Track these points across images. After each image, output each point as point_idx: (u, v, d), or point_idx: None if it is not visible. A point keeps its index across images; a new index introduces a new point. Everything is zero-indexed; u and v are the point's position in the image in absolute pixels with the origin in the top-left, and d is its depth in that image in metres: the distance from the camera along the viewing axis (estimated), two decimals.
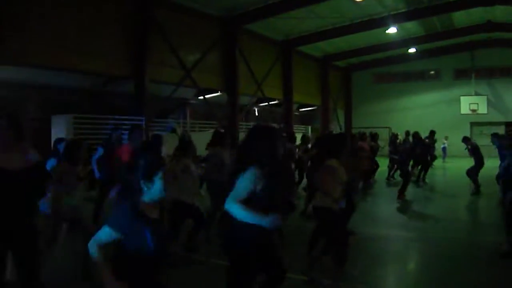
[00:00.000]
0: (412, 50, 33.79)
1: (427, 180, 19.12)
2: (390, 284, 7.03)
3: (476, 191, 15.47)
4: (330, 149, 6.60)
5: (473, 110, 34.91)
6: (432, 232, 10.09)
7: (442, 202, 15.18)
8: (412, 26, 29.27)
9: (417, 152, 17.67)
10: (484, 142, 22.31)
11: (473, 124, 35.65)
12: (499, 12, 27.41)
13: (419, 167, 19.08)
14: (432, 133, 20.83)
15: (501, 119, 34.21)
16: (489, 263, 7.56)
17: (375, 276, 7.10)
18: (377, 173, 19.02)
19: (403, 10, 25.55)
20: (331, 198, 6.20)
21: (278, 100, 30.15)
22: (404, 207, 13.73)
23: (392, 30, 27.50)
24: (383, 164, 19.89)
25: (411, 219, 11.92)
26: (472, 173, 15.81)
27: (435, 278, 6.89)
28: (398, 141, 19.18)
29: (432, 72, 38.72)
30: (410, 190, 16.27)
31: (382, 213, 13.14)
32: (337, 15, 25.22)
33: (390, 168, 19.74)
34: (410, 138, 18.50)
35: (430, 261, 7.86)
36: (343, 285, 6.32)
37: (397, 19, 26.23)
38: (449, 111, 35.84)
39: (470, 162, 16.37)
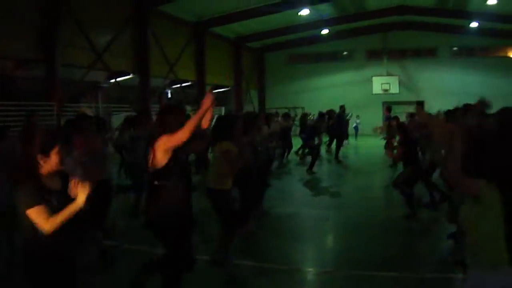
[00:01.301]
0: (325, 31, 34.95)
1: (340, 158, 20.14)
2: (299, 260, 7.51)
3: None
4: (222, 131, 6.82)
5: (385, 90, 36.77)
6: (345, 209, 10.90)
7: (355, 179, 16.18)
8: (326, 8, 30.24)
9: (332, 127, 18.79)
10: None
11: (385, 104, 37.32)
12: None
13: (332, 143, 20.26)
14: (342, 107, 21.90)
15: (413, 98, 35.90)
16: (398, 235, 8.52)
17: (285, 254, 7.58)
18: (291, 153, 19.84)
19: None
20: (225, 180, 6.56)
21: (191, 81, 30.37)
22: (317, 184, 14.60)
23: (304, 12, 28.41)
24: (297, 144, 20.71)
25: (324, 197, 12.59)
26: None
27: (345, 251, 7.67)
28: (308, 120, 20.02)
29: (345, 53, 40.31)
30: (325, 168, 17.30)
31: (295, 192, 13.76)
32: None
33: (301, 147, 20.63)
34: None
35: (342, 235, 8.69)
36: (253, 264, 6.89)
37: (310, 0, 27.12)
38: (362, 91, 37.38)
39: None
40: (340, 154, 20.42)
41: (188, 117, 5.40)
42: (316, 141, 17.55)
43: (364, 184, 14.95)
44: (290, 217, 10.08)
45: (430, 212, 10.02)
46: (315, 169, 16.30)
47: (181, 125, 4.73)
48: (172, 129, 4.73)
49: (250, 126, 8.67)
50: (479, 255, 3.39)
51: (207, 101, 4.70)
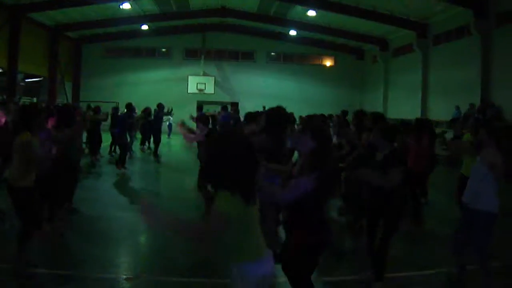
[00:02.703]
0: (144, 27, 35.18)
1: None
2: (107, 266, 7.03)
3: None
4: (22, 122, 6.23)
5: (200, 90, 37.89)
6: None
7: (170, 178, 16.46)
8: (147, 3, 30.61)
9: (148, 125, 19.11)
10: None
11: (199, 103, 38.47)
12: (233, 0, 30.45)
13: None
14: (160, 105, 22.21)
15: (227, 99, 37.60)
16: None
17: (91, 256, 7.23)
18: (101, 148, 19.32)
19: None
20: (26, 175, 6.05)
21: (2, 68, 28.74)
22: (129, 184, 14.49)
23: (126, 6, 28.52)
24: (107, 139, 20.13)
25: (135, 198, 11.80)
26: None
27: (154, 255, 7.65)
28: (119, 113, 19.98)
29: (164, 50, 40.85)
30: (141, 165, 17.44)
31: (106, 192, 12.94)
32: None
33: (112, 143, 20.43)
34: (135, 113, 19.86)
35: (153, 238, 8.46)
36: (54, 272, 6.44)
37: None
38: (177, 89, 37.99)
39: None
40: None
41: None
42: (128, 137, 17.89)
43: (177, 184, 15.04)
44: (100, 219, 9.63)
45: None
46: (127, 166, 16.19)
47: None
48: None
49: (67, 119, 8.46)
50: None
51: None
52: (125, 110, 18.77)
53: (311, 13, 29.71)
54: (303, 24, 33.58)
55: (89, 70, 39.02)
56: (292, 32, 35.82)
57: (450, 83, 26.35)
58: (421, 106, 29.24)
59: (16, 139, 6.03)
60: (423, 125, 10.57)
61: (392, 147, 6.04)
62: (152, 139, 22.11)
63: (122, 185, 14.03)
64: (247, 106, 25.98)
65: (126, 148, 16.45)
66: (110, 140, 20.03)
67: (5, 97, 26.86)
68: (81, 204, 9.93)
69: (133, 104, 19.70)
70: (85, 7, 28.73)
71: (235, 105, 25.16)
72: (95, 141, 18.45)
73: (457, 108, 24.46)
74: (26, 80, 35.80)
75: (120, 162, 15.71)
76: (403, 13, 28.20)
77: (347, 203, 9.59)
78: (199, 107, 22.19)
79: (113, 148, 20.26)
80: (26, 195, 6.00)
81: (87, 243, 7.86)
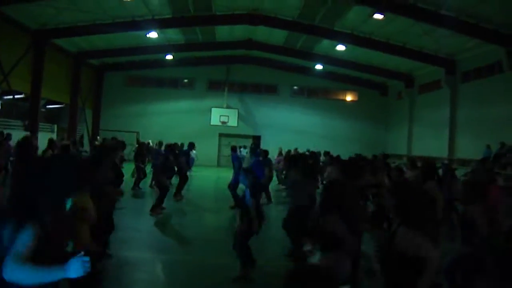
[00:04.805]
0: (169, 56, 35.02)
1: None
2: None
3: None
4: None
5: (223, 122, 37.51)
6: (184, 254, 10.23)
7: (197, 217, 15.61)
8: (174, 33, 30.45)
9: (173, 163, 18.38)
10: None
11: (222, 135, 38.29)
12: (260, 32, 30.27)
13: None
14: (192, 145, 21.56)
15: (250, 132, 37.35)
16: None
17: None
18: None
19: (168, 16, 26.66)
20: None
21: (25, 94, 28.57)
22: (161, 224, 13.65)
23: (153, 34, 28.34)
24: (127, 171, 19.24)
25: (168, 239, 11.57)
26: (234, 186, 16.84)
27: None
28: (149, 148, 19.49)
29: (186, 81, 40.67)
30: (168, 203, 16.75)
31: (136, 232, 12.07)
32: (100, 11, 25.09)
33: (137, 178, 19.91)
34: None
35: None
36: None
37: (160, 24, 27.28)
38: (200, 120, 37.98)
39: (215, 172, 16.98)
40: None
41: None
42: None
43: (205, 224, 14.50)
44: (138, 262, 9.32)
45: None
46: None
47: None
48: None
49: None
50: None
51: None
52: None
53: (340, 47, 29.36)
54: (329, 59, 33.30)
55: (110, 98, 38.93)
56: (318, 67, 35.46)
57: (479, 121, 25.76)
58: (448, 143, 28.57)
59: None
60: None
61: None
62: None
63: (153, 223, 13.39)
64: (269, 140, 25.70)
65: (166, 189, 15.49)
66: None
67: (27, 123, 26.69)
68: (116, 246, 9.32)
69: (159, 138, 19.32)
70: (110, 35, 28.51)
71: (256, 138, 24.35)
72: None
73: (488, 147, 23.68)
74: (48, 107, 35.65)
75: (157, 203, 14.77)
76: (432, 50, 27.82)
77: None
78: (233, 147, 20.76)
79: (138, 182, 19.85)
80: None
81: None
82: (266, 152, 18.75)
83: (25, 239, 3.08)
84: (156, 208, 14.62)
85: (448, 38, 24.84)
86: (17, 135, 19.07)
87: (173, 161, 17.67)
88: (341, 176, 7.36)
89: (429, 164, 9.42)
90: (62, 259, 3.12)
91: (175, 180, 19.06)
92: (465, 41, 25.14)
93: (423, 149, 29.94)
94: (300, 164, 10.86)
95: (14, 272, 3.00)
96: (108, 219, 8.42)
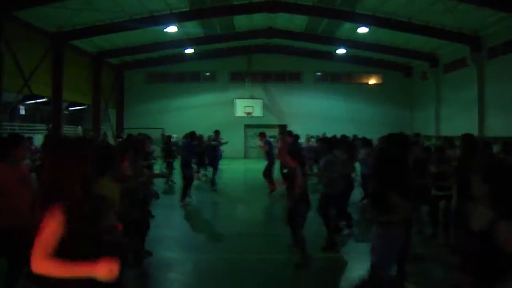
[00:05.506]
0: (189, 50, 34.66)
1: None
2: None
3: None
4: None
5: (248, 113, 37.06)
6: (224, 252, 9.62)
7: (233, 210, 15.48)
8: (192, 26, 30.04)
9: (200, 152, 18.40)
10: (258, 143, 23.35)
11: (247, 127, 37.90)
12: (280, 20, 29.72)
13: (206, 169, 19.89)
14: (217, 132, 21.53)
15: (275, 122, 36.90)
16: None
17: None
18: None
19: (186, 9, 26.24)
20: None
21: (47, 97, 28.45)
22: (193, 218, 13.44)
23: (172, 29, 27.99)
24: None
25: (201, 237, 11.10)
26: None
27: None
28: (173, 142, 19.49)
29: (208, 74, 40.29)
30: (201, 195, 16.51)
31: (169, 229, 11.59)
32: (117, 9, 24.77)
33: (168, 174, 19.75)
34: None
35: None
36: None
37: (178, 17, 26.86)
38: (223, 113, 37.58)
39: (243, 164, 16.94)
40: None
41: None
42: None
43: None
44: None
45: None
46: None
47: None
48: None
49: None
50: None
51: None
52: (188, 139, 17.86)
53: (362, 30, 28.68)
54: (352, 42, 32.56)
55: (132, 96, 38.84)
56: (341, 51, 34.76)
57: (509, 97, 24.89)
58: (478, 122, 27.70)
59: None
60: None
61: None
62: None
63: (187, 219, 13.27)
64: (295, 128, 25.27)
65: (190, 181, 15.39)
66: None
67: (50, 126, 26.59)
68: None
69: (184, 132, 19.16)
70: (128, 32, 28.20)
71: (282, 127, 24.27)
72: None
73: None
74: (70, 109, 35.59)
75: (183, 194, 15.00)
76: (456, 27, 26.96)
77: None
78: (261, 134, 20.40)
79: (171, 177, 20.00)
80: None
81: None
82: (296, 136, 18.60)
83: (53, 226, 3.12)
84: (183, 199, 14.98)
85: (472, 13, 24.07)
86: (42, 139, 18.94)
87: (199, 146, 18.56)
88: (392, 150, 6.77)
89: (469, 138, 8.90)
90: (96, 245, 3.33)
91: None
92: (489, 15, 24.23)
93: (452, 129, 29.09)
94: (341, 145, 10.86)
95: (40, 267, 3.08)
96: (145, 216, 8.23)
